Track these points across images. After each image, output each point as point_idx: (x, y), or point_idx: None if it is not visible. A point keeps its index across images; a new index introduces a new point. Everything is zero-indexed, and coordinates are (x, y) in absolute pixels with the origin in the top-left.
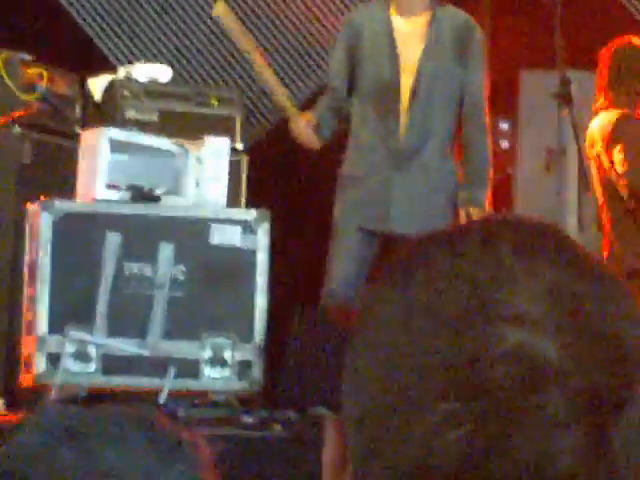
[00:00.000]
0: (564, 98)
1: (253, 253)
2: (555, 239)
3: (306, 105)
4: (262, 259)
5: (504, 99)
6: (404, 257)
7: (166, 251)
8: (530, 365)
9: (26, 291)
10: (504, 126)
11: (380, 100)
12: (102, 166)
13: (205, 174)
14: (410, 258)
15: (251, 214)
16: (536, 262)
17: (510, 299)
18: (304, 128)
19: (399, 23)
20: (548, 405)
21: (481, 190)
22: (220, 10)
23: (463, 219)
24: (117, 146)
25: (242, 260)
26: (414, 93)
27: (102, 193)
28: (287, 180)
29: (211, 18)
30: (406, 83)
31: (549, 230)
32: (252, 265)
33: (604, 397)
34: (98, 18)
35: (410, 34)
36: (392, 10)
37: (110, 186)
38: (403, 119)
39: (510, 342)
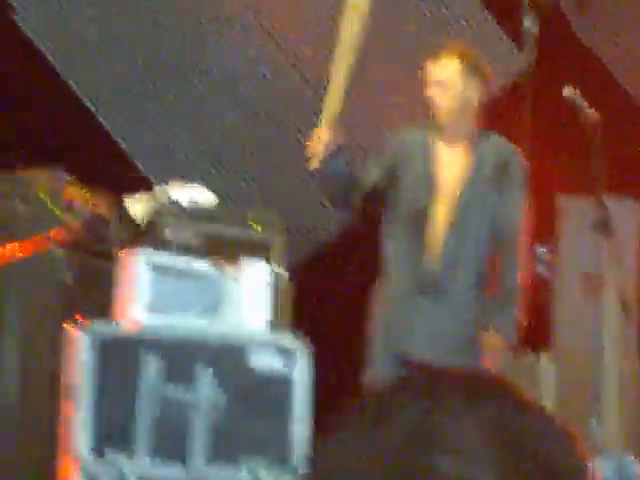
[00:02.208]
0: (602, 225)
1: (292, 379)
2: (494, 385)
3: None
4: (301, 385)
5: (543, 225)
6: (357, 399)
7: (205, 375)
8: None
9: (66, 412)
10: (542, 252)
11: (415, 227)
12: (142, 289)
13: (245, 298)
14: (361, 401)
15: (290, 339)
16: (475, 404)
17: (448, 435)
18: (322, 144)
19: (441, 151)
20: None
21: (508, 318)
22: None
23: (487, 348)
24: (157, 269)
25: (281, 385)
26: (450, 222)
27: (142, 316)
28: (331, 304)
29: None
30: (443, 212)
31: (488, 377)
32: (291, 390)
33: None
34: (133, 133)
35: (451, 162)
36: (435, 137)
37: (150, 309)
38: (437, 247)
39: (448, 473)
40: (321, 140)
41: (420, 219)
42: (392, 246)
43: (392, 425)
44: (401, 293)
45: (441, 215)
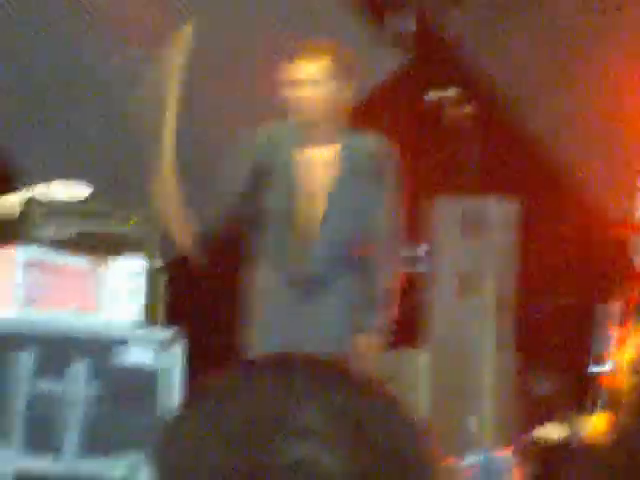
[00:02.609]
0: (479, 224)
1: (167, 372)
2: (342, 370)
3: None
4: (176, 378)
5: (420, 224)
6: (204, 381)
7: (79, 370)
8: (313, 476)
9: None
10: (420, 251)
11: (284, 224)
12: (15, 285)
13: (121, 293)
14: (210, 381)
15: (165, 333)
16: (323, 387)
17: (296, 417)
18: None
19: (309, 149)
20: None
21: (379, 317)
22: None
23: (359, 346)
24: (31, 264)
25: (155, 379)
26: (322, 222)
27: (15, 311)
28: (202, 298)
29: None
30: (312, 210)
31: (337, 362)
32: (165, 384)
33: None
34: (12, 132)
35: (319, 161)
36: (303, 135)
37: (23, 304)
38: (307, 246)
39: (294, 454)
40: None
41: (289, 217)
42: (264, 238)
43: (236, 408)
44: (274, 287)
45: (310, 214)
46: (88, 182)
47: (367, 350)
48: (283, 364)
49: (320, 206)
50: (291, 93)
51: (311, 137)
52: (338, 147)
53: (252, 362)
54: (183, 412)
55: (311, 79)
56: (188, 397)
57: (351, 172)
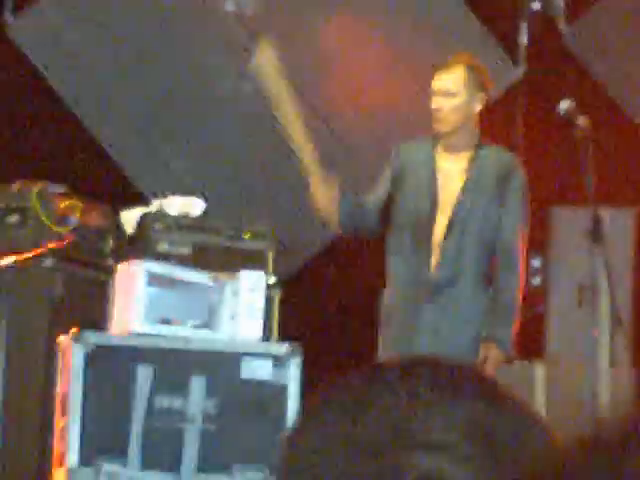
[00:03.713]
0: (596, 235)
1: (285, 387)
2: (471, 377)
3: None
4: (293, 393)
5: (535, 235)
6: (326, 388)
7: (198, 385)
8: None
9: (58, 423)
10: (535, 262)
11: (415, 233)
12: (138, 299)
13: (240, 308)
14: (332, 389)
15: (283, 348)
16: (451, 396)
17: (424, 428)
18: (325, 194)
19: (442, 160)
20: None
21: (505, 330)
22: (260, 59)
23: (482, 357)
24: (152, 279)
25: (273, 394)
26: (449, 229)
27: (137, 326)
28: (318, 313)
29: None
30: (442, 219)
31: (465, 369)
32: (283, 399)
33: None
34: (132, 154)
35: (452, 171)
36: (437, 147)
37: (145, 319)
38: (437, 253)
39: (422, 468)
40: (321, 192)
41: (422, 228)
42: (394, 253)
43: (364, 420)
44: (404, 301)
45: (443, 224)
46: (202, 198)
47: (493, 361)
48: (410, 369)
49: (449, 215)
50: (431, 104)
51: (445, 149)
52: (469, 158)
53: (376, 367)
54: (304, 422)
55: (446, 90)
56: (309, 407)
57: (482, 184)
